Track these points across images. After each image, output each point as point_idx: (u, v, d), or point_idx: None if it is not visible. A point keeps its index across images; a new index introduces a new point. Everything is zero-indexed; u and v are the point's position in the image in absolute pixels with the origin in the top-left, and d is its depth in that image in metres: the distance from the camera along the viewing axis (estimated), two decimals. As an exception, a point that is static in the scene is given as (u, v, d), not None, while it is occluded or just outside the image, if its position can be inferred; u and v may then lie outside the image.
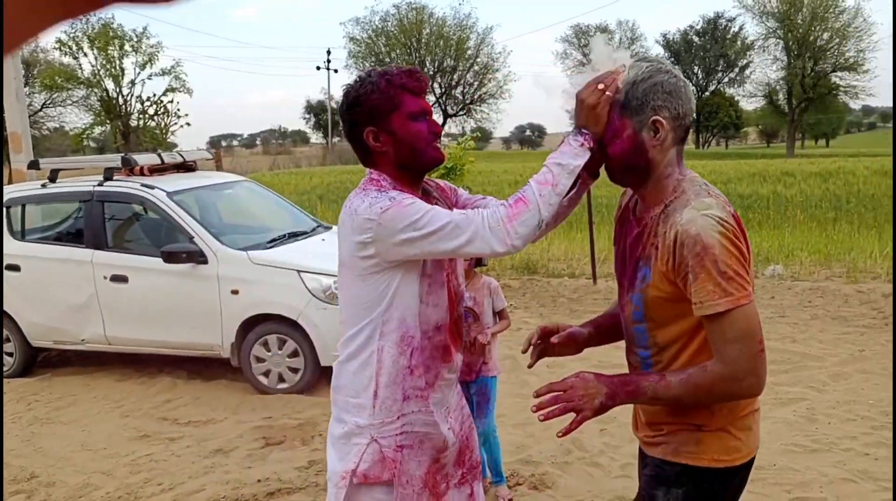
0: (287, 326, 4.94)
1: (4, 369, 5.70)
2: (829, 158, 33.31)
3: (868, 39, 57.38)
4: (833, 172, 20.73)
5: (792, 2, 59.73)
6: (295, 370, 5.00)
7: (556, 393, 1.59)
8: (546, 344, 1.85)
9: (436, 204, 1.83)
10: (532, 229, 1.66)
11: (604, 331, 1.90)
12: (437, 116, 63.39)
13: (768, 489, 3.27)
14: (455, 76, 60.65)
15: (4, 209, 5.65)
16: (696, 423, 1.62)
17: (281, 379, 5.02)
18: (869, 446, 3.66)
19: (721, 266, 1.45)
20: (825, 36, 57.95)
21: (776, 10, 60.24)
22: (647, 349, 1.67)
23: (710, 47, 74.11)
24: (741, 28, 71.35)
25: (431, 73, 58.66)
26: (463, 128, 61.85)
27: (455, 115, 62.24)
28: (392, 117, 1.75)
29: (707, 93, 73.01)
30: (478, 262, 3.14)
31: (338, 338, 1.89)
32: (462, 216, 1.67)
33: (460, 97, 61.73)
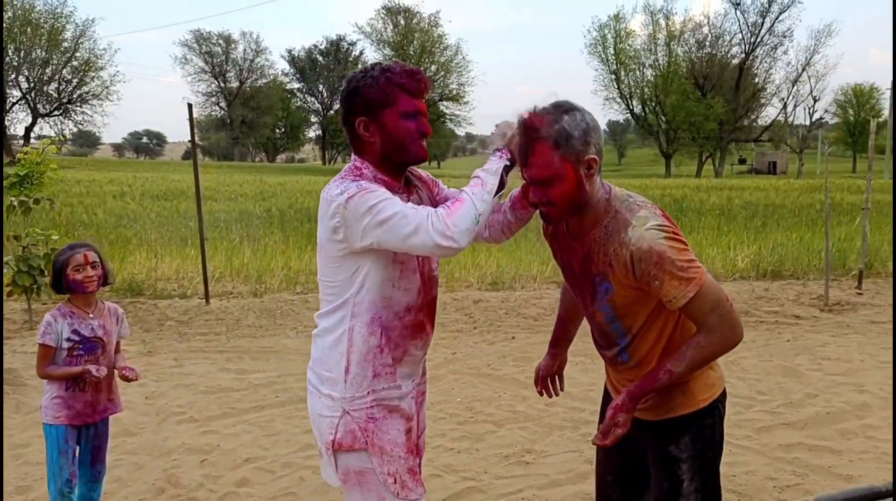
0: None
1: None
2: (439, 177, 37.55)
3: (467, 75, 67.25)
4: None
5: (405, 34, 66.45)
6: None
7: (616, 432, 1.81)
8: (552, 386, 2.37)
9: (416, 194, 1.99)
10: (470, 222, 1.76)
11: (561, 338, 2.32)
12: (26, 115, 54.53)
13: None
14: (48, 70, 52.90)
15: None
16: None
17: None
18: (455, 441, 4.05)
19: (678, 264, 1.71)
20: (433, 68, 65.79)
21: (392, 40, 66.34)
22: (624, 337, 1.91)
23: (333, 67, 78.10)
24: (362, 52, 76.72)
25: (16, 63, 50.30)
26: (59, 130, 54.15)
27: (48, 114, 54.27)
28: (385, 112, 1.86)
29: (332, 111, 76.72)
30: (104, 281, 2.92)
31: None
32: (412, 209, 1.77)
33: (55, 95, 54.04)
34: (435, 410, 4.48)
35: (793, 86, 62.38)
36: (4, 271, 6.89)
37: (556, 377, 2.35)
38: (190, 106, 7.03)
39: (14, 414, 4.49)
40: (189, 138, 7.13)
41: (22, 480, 3.57)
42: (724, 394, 1.97)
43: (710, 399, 1.92)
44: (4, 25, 45.86)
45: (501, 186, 1.90)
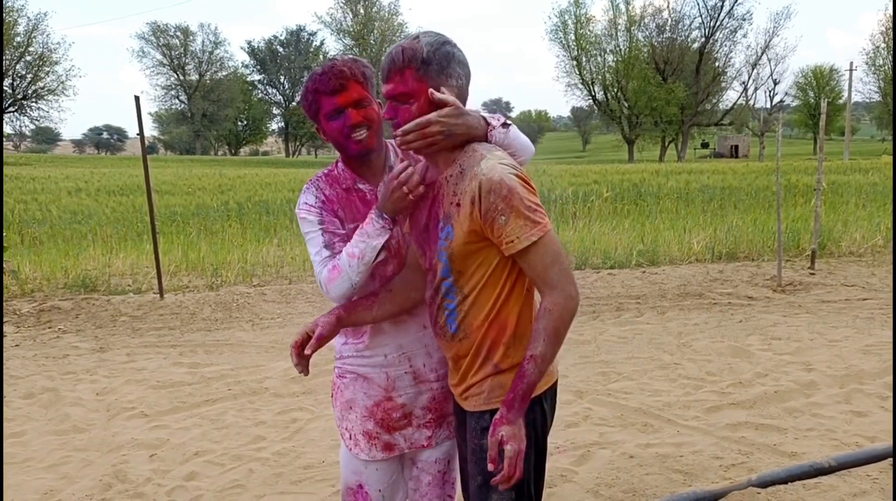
0: None
1: None
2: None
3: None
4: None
5: (364, 23, 65.92)
6: None
7: (510, 450, 1.66)
8: (306, 358, 1.94)
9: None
10: (345, 290, 1.91)
11: (352, 305, 1.98)
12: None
13: (315, 486, 3.41)
14: (2, 66, 51.52)
15: None
16: (495, 366, 1.77)
17: None
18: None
19: (526, 202, 1.65)
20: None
21: (352, 30, 65.76)
22: (453, 300, 1.80)
23: (294, 58, 77.21)
24: (322, 42, 75.94)
25: (-32, 58, 48.88)
26: (17, 126, 52.93)
27: (3, 111, 52.92)
28: (318, 119, 1.96)
29: (294, 103, 75.84)
30: None
31: None
32: (318, 256, 1.95)
33: (9, 91, 52.70)
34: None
35: (753, 69, 63.54)
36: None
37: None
38: (137, 98, 6.87)
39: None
40: (137, 132, 6.97)
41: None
42: (551, 390, 1.86)
43: (537, 391, 1.78)
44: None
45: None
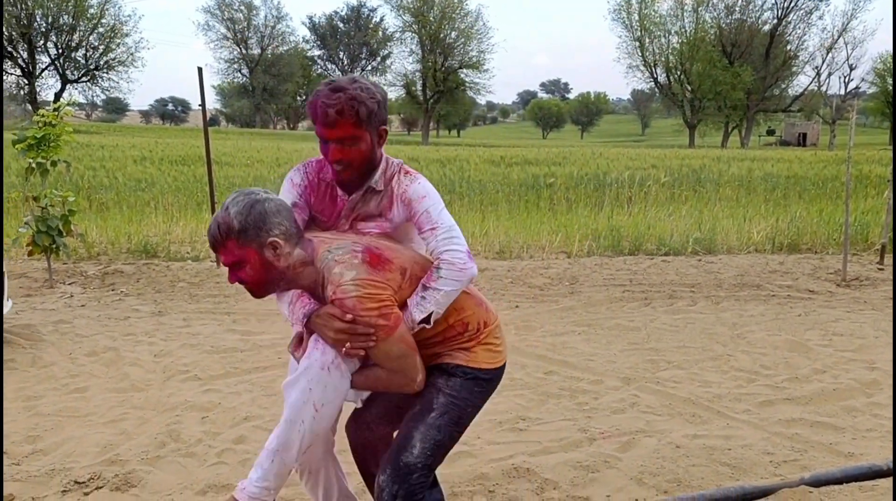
0: None
1: None
2: (455, 146, 37.51)
3: (487, 41, 66.14)
4: (451, 160, 23.38)
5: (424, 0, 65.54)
6: None
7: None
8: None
9: (370, 201, 2.11)
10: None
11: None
12: (55, 81, 55.26)
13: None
14: (76, 37, 53.29)
15: None
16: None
17: None
18: None
19: (363, 315, 1.93)
20: (453, 34, 64.94)
21: (411, 6, 65.50)
22: None
23: (353, 34, 77.58)
24: (382, 19, 75.98)
25: (44, 29, 50.67)
26: (88, 97, 54.77)
27: (76, 80, 54.85)
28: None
29: (353, 75, 76.35)
30: None
31: None
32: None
33: (83, 61, 54.52)
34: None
35: (827, 53, 60.65)
36: (25, 230, 7.01)
37: None
38: (200, 70, 7.01)
39: (30, 368, 4.60)
40: (200, 104, 7.12)
41: (32, 430, 3.67)
42: (494, 371, 2.16)
43: (486, 365, 2.11)
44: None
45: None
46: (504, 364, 2.19)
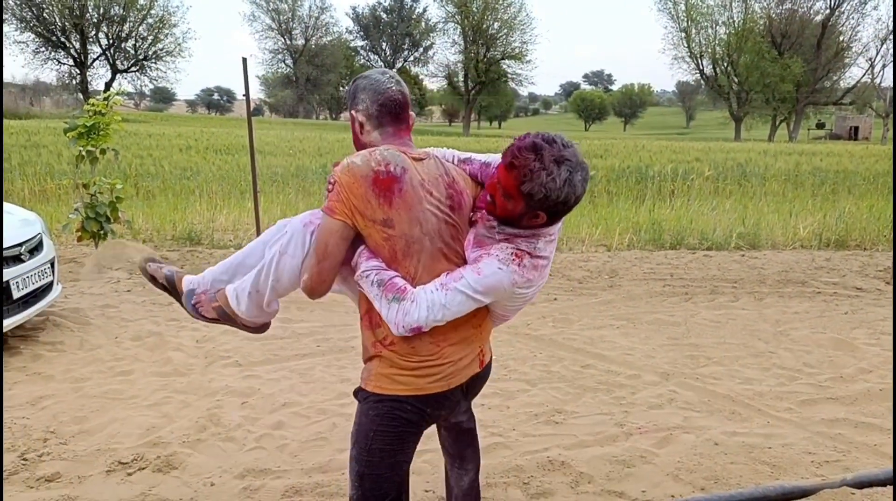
0: None
1: None
2: (496, 138, 37.33)
3: (531, 32, 65.54)
4: (493, 151, 23.21)
5: (468, -10, 65.12)
6: None
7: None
8: None
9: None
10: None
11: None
12: (105, 71, 56.68)
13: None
14: (126, 27, 54.57)
15: None
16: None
17: None
18: (485, 397, 3.94)
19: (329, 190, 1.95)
20: (496, 25, 64.50)
21: (456, -4, 65.19)
22: None
23: (396, 25, 77.69)
24: (425, 10, 75.87)
25: (95, 20, 52.00)
26: (139, 86, 56.07)
27: (126, 70, 56.20)
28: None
29: (394, 69, 76.50)
30: None
31: None
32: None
33: (132, 51, 55.81)
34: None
35: (882, 44, 58.45)
36: (75, 217, 7.23)
37: None
38: (244, 60, 7.11)
39: (77, 351, 4.76)
40: (244, 93, 7.23)
41: (79, 411, 3.80)
42: (405, 400, 1.90)
43: (378, 390, 1.92)
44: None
45: None
46: (422, 396, 1.91)
